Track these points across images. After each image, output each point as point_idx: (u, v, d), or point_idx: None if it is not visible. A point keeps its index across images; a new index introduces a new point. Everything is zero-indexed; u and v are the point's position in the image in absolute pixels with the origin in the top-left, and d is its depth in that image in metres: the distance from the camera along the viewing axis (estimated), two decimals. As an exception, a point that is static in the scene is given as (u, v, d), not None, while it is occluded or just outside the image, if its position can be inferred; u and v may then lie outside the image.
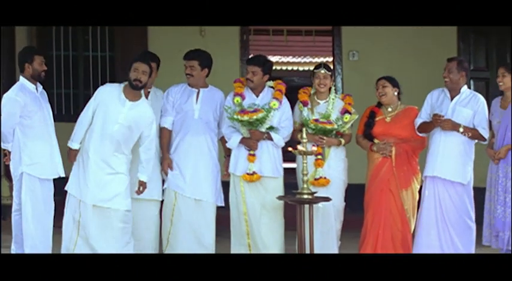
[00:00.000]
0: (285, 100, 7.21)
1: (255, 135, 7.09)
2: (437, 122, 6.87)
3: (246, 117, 7.01)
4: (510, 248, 6.75)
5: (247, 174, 7.09)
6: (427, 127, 7.01)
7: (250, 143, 7.10)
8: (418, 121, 7.05)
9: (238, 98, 7.13)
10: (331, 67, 7.54)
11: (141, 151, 6.85)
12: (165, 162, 7.17)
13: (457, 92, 6.99)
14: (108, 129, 6.71)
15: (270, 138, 7.12)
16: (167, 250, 7.16)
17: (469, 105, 6.94)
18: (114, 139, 6.71)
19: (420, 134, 7.07)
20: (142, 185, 6.89)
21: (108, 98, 6.76)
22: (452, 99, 6.99)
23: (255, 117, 7.02)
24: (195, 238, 7.14)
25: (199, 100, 7.23)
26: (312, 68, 7.70)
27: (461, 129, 6.86)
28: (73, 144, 6.79)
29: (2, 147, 6.91)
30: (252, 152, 7.11)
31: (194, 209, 7.16)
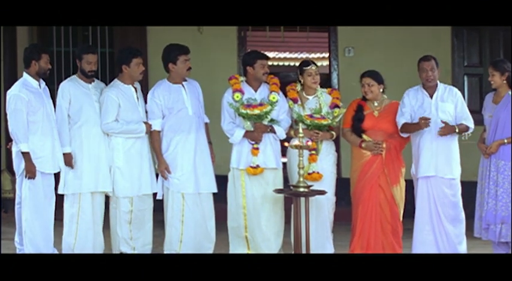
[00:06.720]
0: (280, 93, 7.28)
1: (260, 128, 7.16)
2: (425, 125, 6.81)
3: (256, 111, 7.08)
4: (510, 239, 6.87)
5: (251, 167, 7.14)
6: (410, 128, 6.96)
7: (255, 136, 7.16)
8: (401, 121, 7.00)
9: (238, 94, 7.19)
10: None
11: None
12: (162, 167, 7.16)
13: (433, 88, 7.04)
14: None
15: (273, 131, 7.21)
16: (182, 250, 7.12)
17: (449, 99, 7.00)
18: None
19: (403, 135, 7.03)
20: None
21: None
22: (431, 96, 7.03)
23: (264, 110, 7.09)
24: (204, 231, 7.19)
25: (188, 95, 7.23)
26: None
27: (457, 130, 6.92)
28: None
29: (21, 149, 6.87)
30: (256, 146, 7.16)
31: (198, 203, 7.22)
